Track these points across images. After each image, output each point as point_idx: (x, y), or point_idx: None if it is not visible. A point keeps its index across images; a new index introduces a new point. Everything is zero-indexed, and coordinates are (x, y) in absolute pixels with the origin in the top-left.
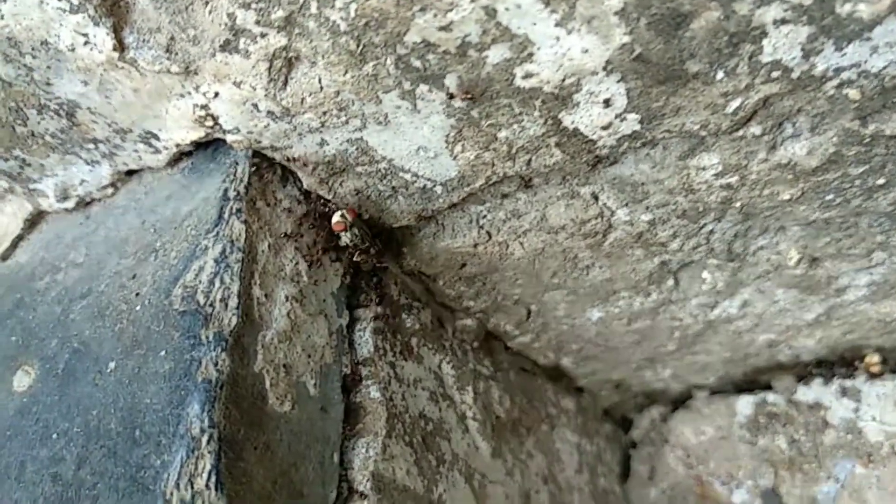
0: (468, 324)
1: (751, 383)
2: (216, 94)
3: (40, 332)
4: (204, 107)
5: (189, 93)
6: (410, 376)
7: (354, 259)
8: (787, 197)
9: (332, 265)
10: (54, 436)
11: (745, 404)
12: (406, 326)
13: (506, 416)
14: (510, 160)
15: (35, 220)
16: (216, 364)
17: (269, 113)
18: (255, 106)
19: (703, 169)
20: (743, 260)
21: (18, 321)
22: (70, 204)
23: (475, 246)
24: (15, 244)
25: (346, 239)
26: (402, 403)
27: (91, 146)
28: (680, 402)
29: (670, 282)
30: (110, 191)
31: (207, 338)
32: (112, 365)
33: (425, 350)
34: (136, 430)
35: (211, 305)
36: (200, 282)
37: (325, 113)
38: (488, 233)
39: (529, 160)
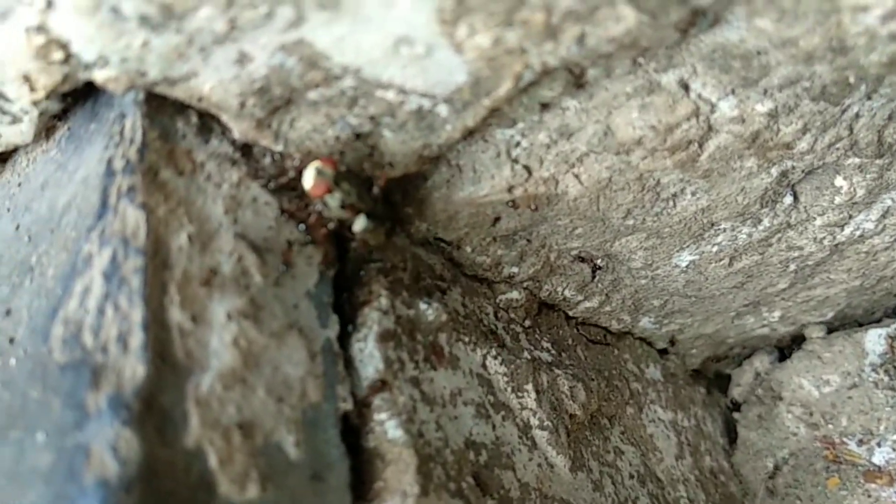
0: (514, 297)
1: (876, 314)
2: (49, 2)
3: None
4: (40, 28)
5: (10, 9)
6: (445, 391)
7: (361, 232)
8: None
9: (302, 250)
10: None
11: (875, 339)
12: (428, 320)
13: (582, 413)
14: (550, 39)
15: None
16: (115, 449)
17: (143, 19)
18: (116, 10)
19: (866, 8)
20: (895, 153)
21: None
22: None
23: (510, 190)
24: None
25: (334, 205)
26: (438, 436)
27: None
28: (787, 347)
29: (788, 199)
30: None
31: (98, 406)
32: None
33: (460, 347)
34: None
35: (103, 350)
36: (86, 311)
37: (231, 2)
38: (527, 167)
39: (582, 35)
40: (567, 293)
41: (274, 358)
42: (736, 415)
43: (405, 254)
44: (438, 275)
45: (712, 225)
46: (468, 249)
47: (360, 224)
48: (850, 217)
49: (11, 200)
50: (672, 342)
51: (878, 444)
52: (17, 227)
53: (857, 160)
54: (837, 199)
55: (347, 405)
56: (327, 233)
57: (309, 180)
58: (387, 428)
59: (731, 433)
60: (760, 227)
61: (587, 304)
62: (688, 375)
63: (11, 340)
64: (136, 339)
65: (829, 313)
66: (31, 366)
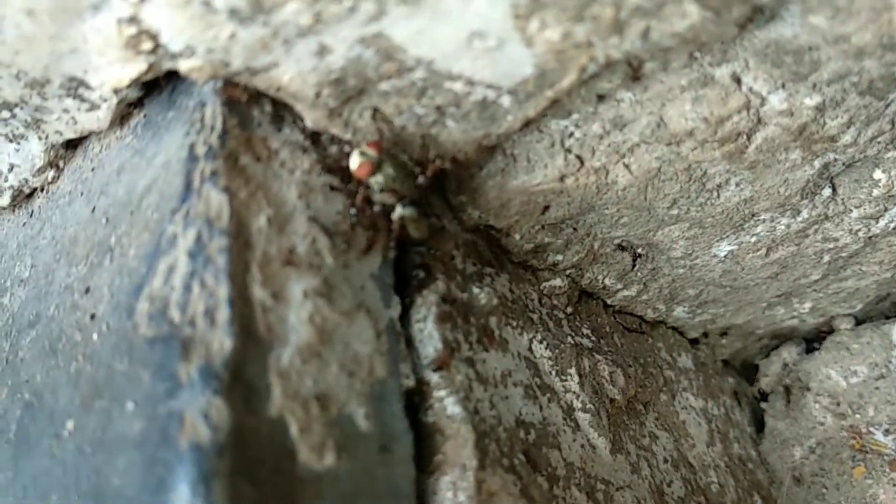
0: (557, 284)
1: None
2: None
3: None
4: (133, 20)
5: (105, 1)
6: (496, 371)
7: (400, 219)
8: None
9: (365, 233)
10: None
11: None
12: (480, 304)
13: (621, 397)
14: (617, 33)
15: None
16: (207, 416)
17: (232, 12)
18: (208, 3)
19: None
20: None
21: None
22: (5, 201)
23: (562, 179)
24: None
25: (376, 187)
26: (492, 414)
27: (5, 114)
28: (815, 338)
29: (827, 191)
30: (51, 174)
31: (189, 376)
32: (70, 425)
33: (509, 331)
34: None
35: (191, 324)
36: (172, 288)
37: None
38: (579, 157)
39: (647, 29)
40: (607, 281)
41: (345, 335)
42: (763, 405)
43: (458, 240)
44: (488, 261)
45: (753, 216)
46: (517, 237)
47: (399, 211)
48: (886, 209)
49: (85, 185)
50: (705, 334)
51: None
52: (93, 210)
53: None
54: (875, 192)
55: (410, 382)
56: (373, 216)
57: (354, 162)
58: (446, 405)
59: (758, 423)
60: (799, 219)
61: (625, 293)
62: (718, 365)
63: (93, 317)
64: (223, 314)
65: (858, 305)
66: (115, 340)
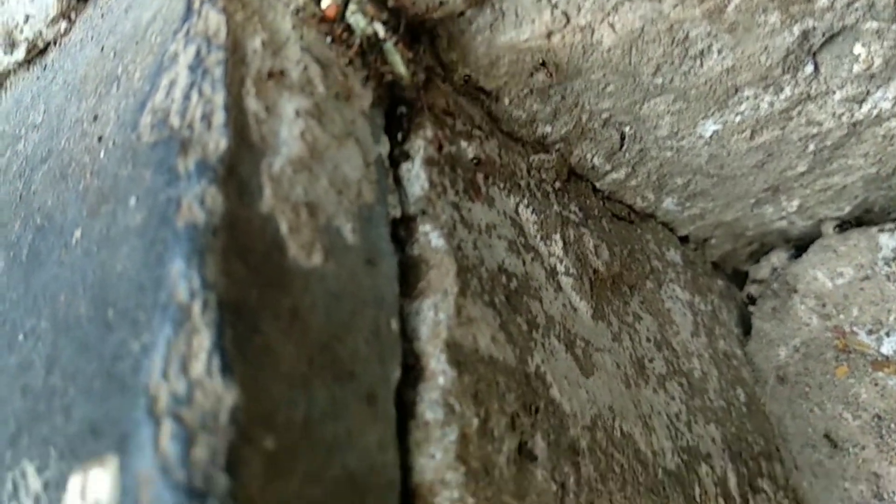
0: (546, 158)
1: (892, 214)
2: None
3: (2, 216)
4: None
5: None
6: (481, 221)
7: (382, 54)
8: None
9: (357, 73)
10: (21, 338)
11: (890, 236)
12: (467, 158)
13: (605, 271)
14: None
15: None
16: (202, 202)
17: None
18: None
19: None
20: None
21: None
22: (20, 54)
23: (549, 36)
24: None
25: (357, 27)
26: (475, 254)
27: None
28: (804, 243)
29: (809, 68)
30: (64, 25)
31: (187, 168)
32: (77, 234)
33: (496, 191)
34: (107, 309)
35: (189, 127)
36: (173, 100)
37: None
38: (565, 14)
39: None
40: (596, 161)
41: (334, 157)
42: (751, 308)
43: (448, 98)
44: (477, 125)
45: (737, 90)
46: (506, 101)
47: (384, 46)
48: (868, 93)
49: (94, 30)
50: (693, 228)
51: (888, 335)
52: (102, 49)
53: (875, 24)
54: (856, 68)
55: (396, 212)
56: (360, 54)
57: (325, 2)
58: (430, 238)
59: (745, 326)
60: (782, 97)
61: (614, 176)
62: (707, 266)
63: (100, 138)
64: (219, 117)
65: (846, 207)
66: (120, 153)
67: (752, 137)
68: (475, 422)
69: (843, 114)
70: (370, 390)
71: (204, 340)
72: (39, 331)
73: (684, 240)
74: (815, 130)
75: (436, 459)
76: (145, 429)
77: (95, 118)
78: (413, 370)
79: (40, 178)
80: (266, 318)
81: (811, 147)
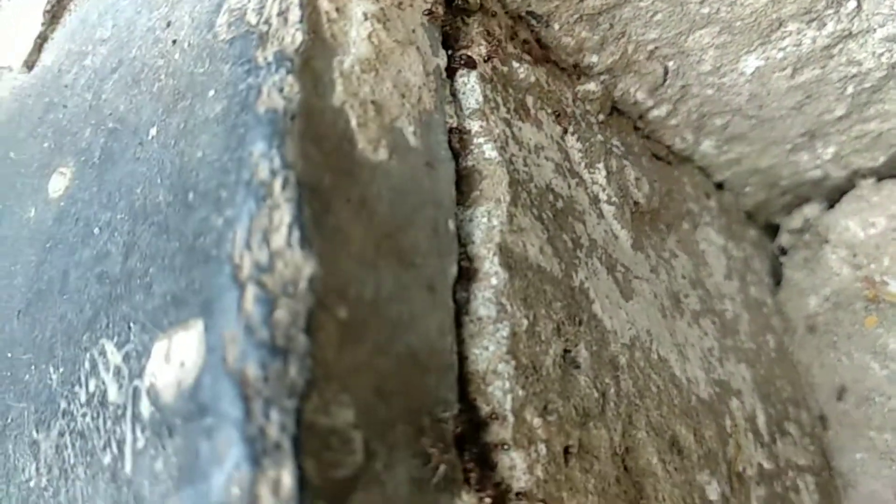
0: (591, 89)
1: None
2: None
3: (72, 127)
4: None
5: None
6: (531, 141)
7: None
8: None
9: None
10: (96, 231)
11: None
12: (519, 78)
13: (645, 203)
14: None
15: (57, 11)
16: (281, 90)
17: None
18: None
19: None
20: None
21: (49, 125)
22: None
23: None
24: (39, 46)
25: None
26: (525, 170)
27: None
28: (838, 197)
29: (852, 3)
30: None
31: (266, 59)
32: (153, 131)
33: (543, 115)
34: (188, 193)
35: (266, 23)
36: (249, 0)
37: None
38: None
39: None
40: (639, 95)
41: (398, 61)
42: (782, 258)
43: (500, 21)
44: (528, 50)
45: (780, 24)
46: (556, 27)
47: None
48: None
49: None
50: (729, 174)
51: None
52: None
53: None
54: None
55: (453, 122)
56: None
57: None
58: (485, 149)
59: (776, 277)
60: (824, 33)
61: (655, 113)
62: (741, 214)
63: (174, 42)
64: (294, 14)
65: (881, 158)
66: (196, 52)
67: (792, 76)
68: (525, 322)
69: (882, 53)
70: (430, 281)
71: (284, 215)
72: (115, 222)
73: (720, 187)
74: (854, 70)
75: (489, 351)
76: (230, 293)
77: (168, 24)
78: (467, 272)
79: (111, 87)
80: (338, 201)
81: (850, 89)
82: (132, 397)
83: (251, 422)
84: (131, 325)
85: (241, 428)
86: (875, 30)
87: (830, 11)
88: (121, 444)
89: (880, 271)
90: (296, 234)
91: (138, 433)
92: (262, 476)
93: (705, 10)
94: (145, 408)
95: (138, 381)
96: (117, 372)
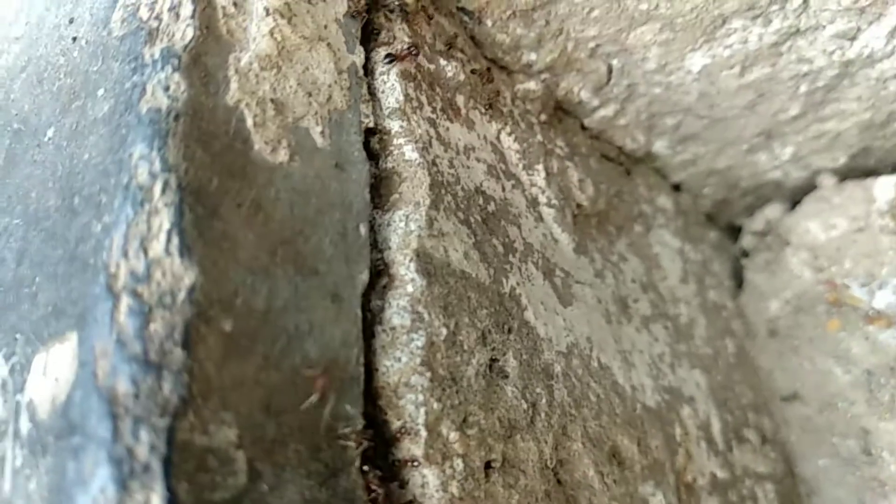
0: (531, 88)
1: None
2: None
3: None
4: None
5: None
6: (459, 142)
7: None
8: None
9: None
10: None
11: (885, 187)
12: (447, 76)
13: (590, 206)
14: None
15: None
16: (167, 88)
17: None
18: None
19: None
20: None
21: None
22: None
23: None
24: None
25: None
26: (451, 172)
27: None
28: (801, 197)
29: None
30: None
31: (153, 56)
32: (50, 132)
33: (476, 114)
34: (74, 197)
35: (157, 18)
36: None
37: None
38: None
39: None
40: (583, 95)
41: (305, 59)
42: (744, 261)
43: (429, 15)
44: (459, 48)
45: (724, 21)
46: (489, 23)
47: None
48: (860, 29)
49: None
50: (685, 175)
51: (880, 288)
52: None
53: None
54: (845, 1)
55: (370, 122)
56: None
57: None
58: (404, 151)
59: (738, 280)
60: (770, 29)
61: (602, 113)
62: (700, 217)
63: (74, 39)
64: (187, 9)
65: (842, 158)
66: (92, 49)
67: (741, 74)
68: (443, 331)
69: (834, 51)
70: (335, 289)
71: (164, 221)
72: (12, 227)
73: (677, 188)
74: (806, 69)
75: (401, 363)
76: (103, 304)
77: (71, 21)
78: (382, 278)
79: (19, 86)
80: (227, 205)
81: (803, 88)
82: (14, 412)
83: (119, 442)
84: (17, 336)
85: (109, 448)
86: (824, 26)
87: (776, 7)
88: (2, 461)
89: (841, 274)
90: (175, 241)
91: (17, 451)
92: (129, 499)
93: (643, 7)
94: (24, 424)
95: (20, 396)
96: (3, 385)
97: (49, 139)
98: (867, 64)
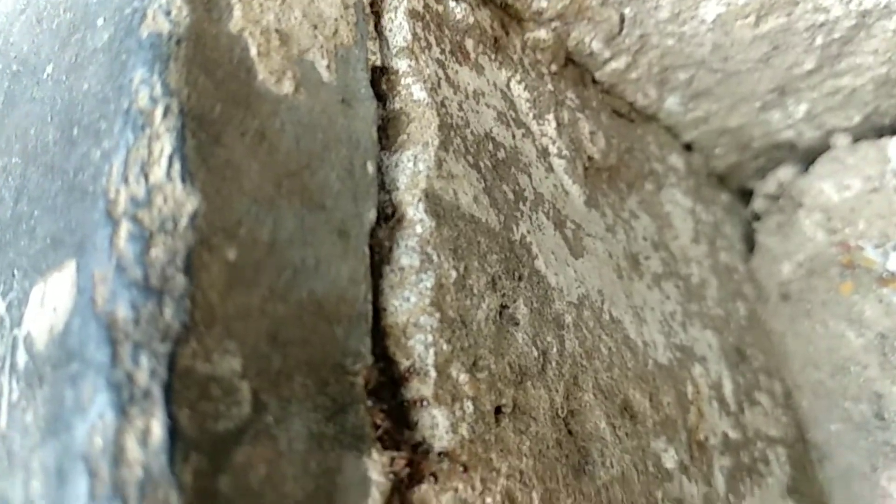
0: (542, 37)
1: None
2: None
3: None
4: None
5: None
6: (468, 86)
7: None
8: None
9: None
10: None
11: None
12: (456, 18)
13: (601, 159)
14: None
15: None
16: (168, 13)
17: None
18: None
19: None
20: None
21: None
22: None
23: None
24: None
25: None
26: (461, 115)
27: None
28: (813, 159)
29: None
30: None
31: None
32: (49, 68)
33: (486, 60)
34: (73, 128)
35: None
36: None
37: None
38: None
39: None
40: (594, 45)
41: None
42: (756, 224)
43: None
44: None
45: None
46: None
47: None
48: None
49: None
50: (696, 134)
51: (894, 249)
52: None
53: None
54: None
55: (377, 60)
56: None
57: None
58: (412, 91)
59: (749, 244)
60: None
61: (614, 65)
62: (712, 178)
63: None
64: None
65: (856, 117)
66: None
67: (756, 24)
68: (453, 274)
69: (851, 0)
70: (342, 225)
71: (165, 146)
72: (10, 166)
73: (688, 148)
74: (822, 18)
75: (410, 303)
76: (102, 230)
77: None
78: (391, 219)
79: (17, 28)
80: (230, 133)
81: (819, 40)
82: (11, 347)
83: (118, 367)
84: (15, 272)
85: (107, 374)
86: None
87: None
88: None
89: (855, 235)
90: (177, 166)
91: (13, 384)
92: (129, 425)
93: None
94: (21, 358)
95: (17, 330)
96: (0, 322)
97: (48, 75)
98: (884, 15)
